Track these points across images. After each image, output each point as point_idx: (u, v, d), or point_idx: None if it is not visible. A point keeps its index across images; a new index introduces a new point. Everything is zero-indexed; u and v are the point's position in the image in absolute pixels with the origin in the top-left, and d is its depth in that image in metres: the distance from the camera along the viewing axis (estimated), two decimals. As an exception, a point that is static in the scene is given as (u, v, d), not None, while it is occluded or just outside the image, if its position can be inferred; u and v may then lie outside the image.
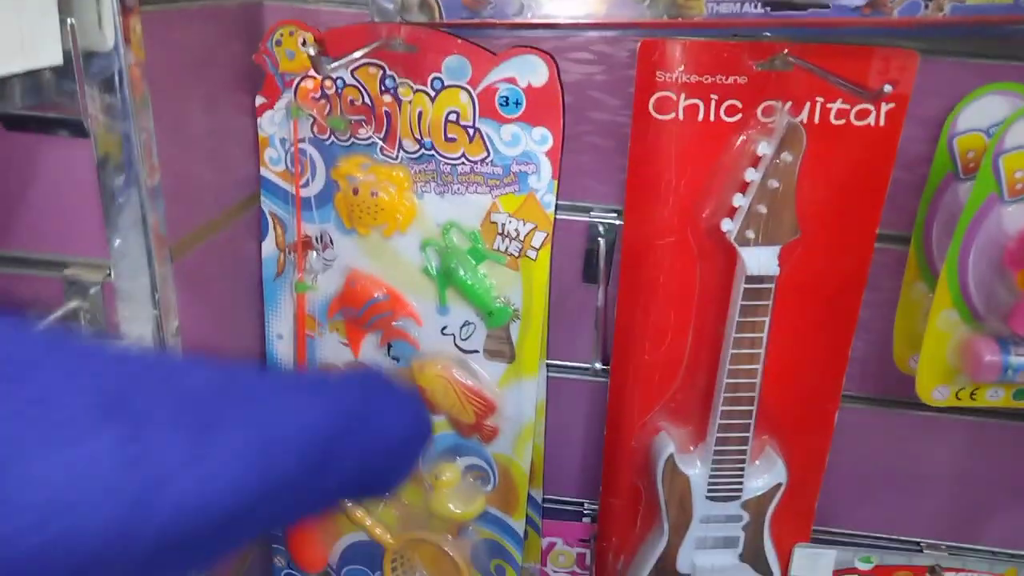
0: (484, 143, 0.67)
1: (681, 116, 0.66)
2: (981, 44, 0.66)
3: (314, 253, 0.75)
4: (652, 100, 0.66)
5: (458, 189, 0.69)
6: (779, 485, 0.77)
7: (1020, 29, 0.63)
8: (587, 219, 0.75)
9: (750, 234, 0.67)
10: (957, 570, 0.84)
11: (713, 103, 0.66)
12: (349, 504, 0.81)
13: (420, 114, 0.67)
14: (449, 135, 0.67)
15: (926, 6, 0.59)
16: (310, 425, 0.44)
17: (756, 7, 0.60)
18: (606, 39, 0.69)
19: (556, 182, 0.68)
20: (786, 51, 0.64)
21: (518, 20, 0.62)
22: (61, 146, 0.50)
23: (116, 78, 0.47)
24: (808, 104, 0.65)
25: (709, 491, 0.76)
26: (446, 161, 0.68)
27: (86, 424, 0.32)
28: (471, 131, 0.67)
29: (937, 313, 0.68)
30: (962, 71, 0.67)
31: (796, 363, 0.74)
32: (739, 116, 0.66)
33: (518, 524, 0.81)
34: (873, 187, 0.68)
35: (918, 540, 0.87)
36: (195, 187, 0.64)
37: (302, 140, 0.71)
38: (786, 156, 0.64)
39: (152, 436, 0.34)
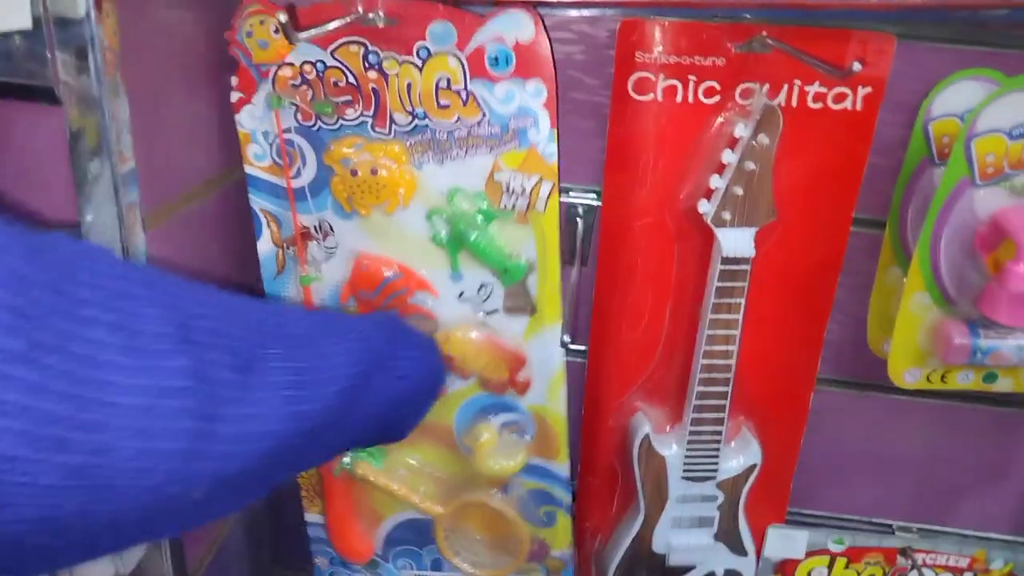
0: (479, 104, 0.67)
1: (660, 97, 0.67)
2: (957, 29, 0.66)
3: (314, 243, 0.74)
4: (631, 81, 0.66)
5: (457, 155, 0.69)
6: (754, 466, 0.78)
7: (996, 14, 0.64)
8: (566, 200, 0.75)
9: (726, 216, 0.67)
10: (928, 552, 0.86)
11: (692, 84, 0.66)
12: (393, 487, 0.81)
13: (409, 85, 0.67)
14: (442, 102, 0.67)
15: (902, -11, 0.59)
16: (342, 367, 0.47)
17: (734, -12, 0.60)
18: (586, 18, 0.69)
19: (555, 131, 0.67)
20: (764, 33, 0.64)
21: (498, -2, 0.62)
22: (32, 112, 0.50)
23: (88, 45, 0.47)
24: (786, 87, 0.66)
25: (685, 471, 0.77)
26: (442, 128, 0.68)
27: (160, 352, 0.34)
28: (464, 94, 0.66)
29: (909, 296, 0.69)
30: (938, 56, 0.67)
31: (772, 345, 0.75)
32: (717, 98, 0.67)
33: (562, 467, 0.81)
34: (850, 171, 0.69)
35: (890, 523, 0.88)
36: (170, 157, 0.64)
37: (287, 131, 0.70)
38: (763, 138, 0.65)
39: (210, 371, 0.36)
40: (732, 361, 0.72)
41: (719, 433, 0.75)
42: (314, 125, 0.70)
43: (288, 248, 0.75)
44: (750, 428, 0.79)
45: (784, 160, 0.66)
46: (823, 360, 0.76)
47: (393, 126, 0.69)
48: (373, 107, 0.68)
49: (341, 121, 0.69)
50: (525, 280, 0.73)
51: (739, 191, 0.66)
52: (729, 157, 0.65)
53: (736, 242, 0.67)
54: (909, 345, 0.71)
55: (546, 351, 0.76)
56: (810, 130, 0.67)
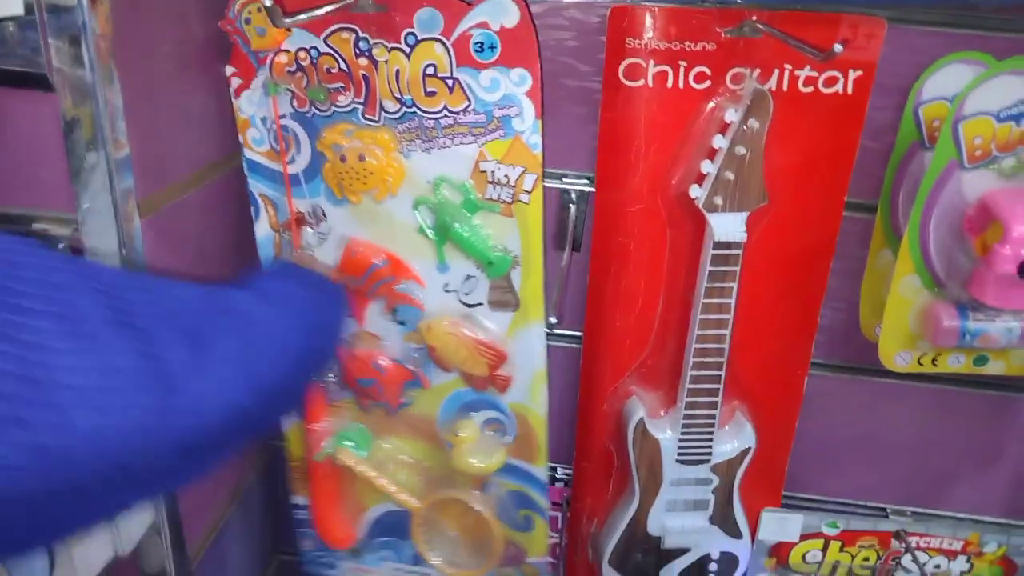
0: (464, 92, 0.67)
1: (651, 83, 0.67)
2: (947, 12, 0.67)
3: (309, 228, 0.75)
4: (622, 67, 0.67)
5: (444, 143, 0.69)
6: (748, 449, 0.78)
7: (985, -2, 0.64)
8: (559, 186, 0.75)
9: (718, 200, 0.67)
10: (921, 535, 0.87)
11: (682, 70, 0.67)
12: (371, 474, 0.82)
13: (398, 72, 0.67)
14: (429, 89, 0.67)
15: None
16: (283, 331, 0.51)
17: (723, -28, 0.60)
18: (577, 4, 0.69)
19: (540, 121, 0.68)
20: (754, 18, 0.64)
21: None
22: (26, 100, 0.50)
23: (81, 32, 0.47)
24: (776, 71, 0.66)
25: (679, 455, 0.78)
26: (429, 116, 0.68)
27: (103, 336, 0.36)
28: (450, 82, 0.67)
29: (899, 279, 0.69)
30: (928, 40, 0.67)
31: (765, 329, 0.76)
32: (708, 83, 0.67)
33: (540, 471, 0.82)
34: (841, 155, 0.69)
35: (883, 506, 0.89)
36: (165, 144, 0.64)
37: (283, 116, 0.71)
38: (753, 123, 0.65)
39: (158, 347, 0.38)
40: (725, 345, 0.72)
41: (713, 417, 0.76)
42: (308, 111, 0.71)
43: (284, 232, 0.76)
44: (744, 412, 0.80)
45: (775, 144, 0.67)
46: (815, 344, 0.76)
47: (382, 113, 0.69)
48: (364, 94, 0.69)
49: (334, 108, 0.70)
50: (509, 274, 0.74)
51: (730, 176, 0.67)
52: (720, 142, 0.66)
53: (728, 227, 0.68)
54: (900, 328, 0.72)
55: (529, 347, 0.76)
56: (801, 114, 0.67)
